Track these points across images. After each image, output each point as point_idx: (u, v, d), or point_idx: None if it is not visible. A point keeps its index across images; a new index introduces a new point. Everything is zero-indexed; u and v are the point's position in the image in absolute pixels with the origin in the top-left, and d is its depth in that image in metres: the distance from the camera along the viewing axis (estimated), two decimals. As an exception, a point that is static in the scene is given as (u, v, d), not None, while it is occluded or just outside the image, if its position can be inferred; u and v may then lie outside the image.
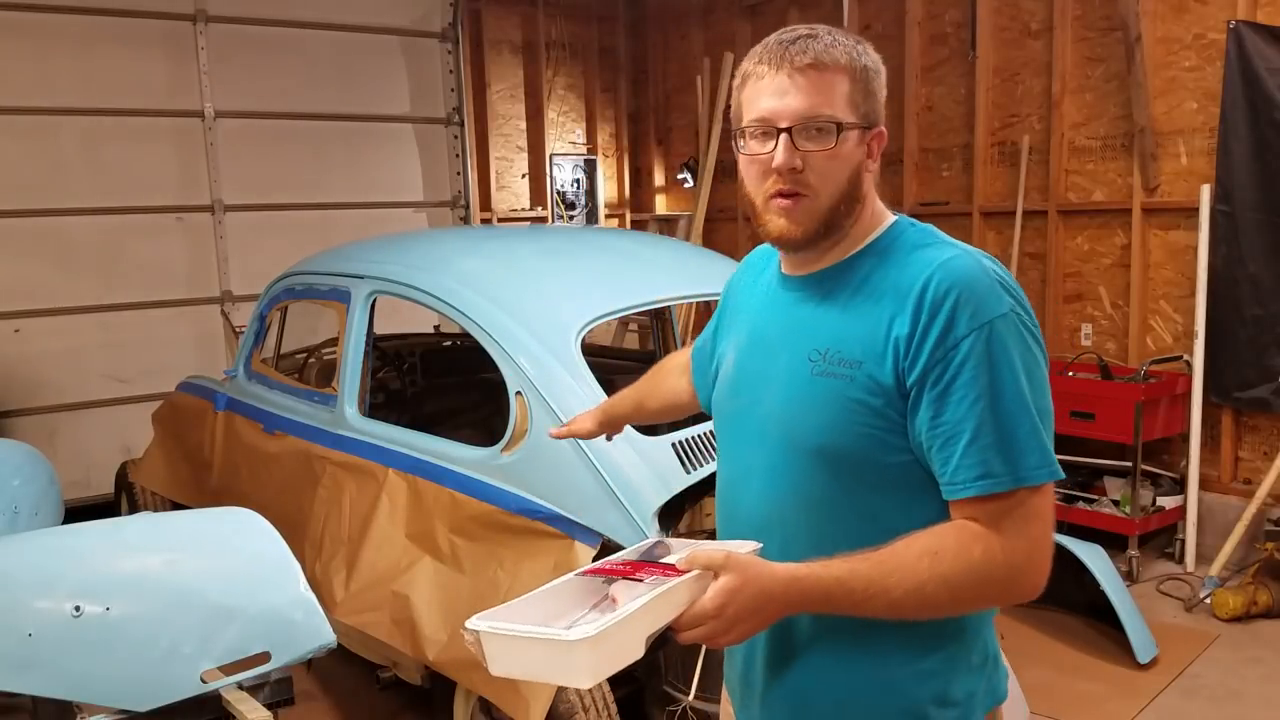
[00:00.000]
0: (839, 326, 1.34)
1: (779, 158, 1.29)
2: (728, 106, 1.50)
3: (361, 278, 3.40)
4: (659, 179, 7.96)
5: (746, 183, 1.38)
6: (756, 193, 1.35)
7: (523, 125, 7.50)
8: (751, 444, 1.43)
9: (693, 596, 1.22)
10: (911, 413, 1.28)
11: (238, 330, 4.66)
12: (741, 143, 1.36)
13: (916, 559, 1.23)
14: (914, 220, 1.42)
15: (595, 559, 2.46)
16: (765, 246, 1.56)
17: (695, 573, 1.22)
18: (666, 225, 7.65)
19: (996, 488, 1.25)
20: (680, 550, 1.34)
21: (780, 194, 1.32)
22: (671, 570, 1.25)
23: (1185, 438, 4.75)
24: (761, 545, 1.33)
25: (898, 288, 1.30)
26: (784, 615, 1.26)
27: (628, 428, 2.65)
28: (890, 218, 1.41)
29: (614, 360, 4.28)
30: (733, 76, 1.44)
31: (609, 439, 1.98)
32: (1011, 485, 1.25)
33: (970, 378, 1.24)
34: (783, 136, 1.29)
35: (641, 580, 1.25)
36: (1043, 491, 1.29)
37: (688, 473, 2.63)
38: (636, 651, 1.19)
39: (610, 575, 1.30)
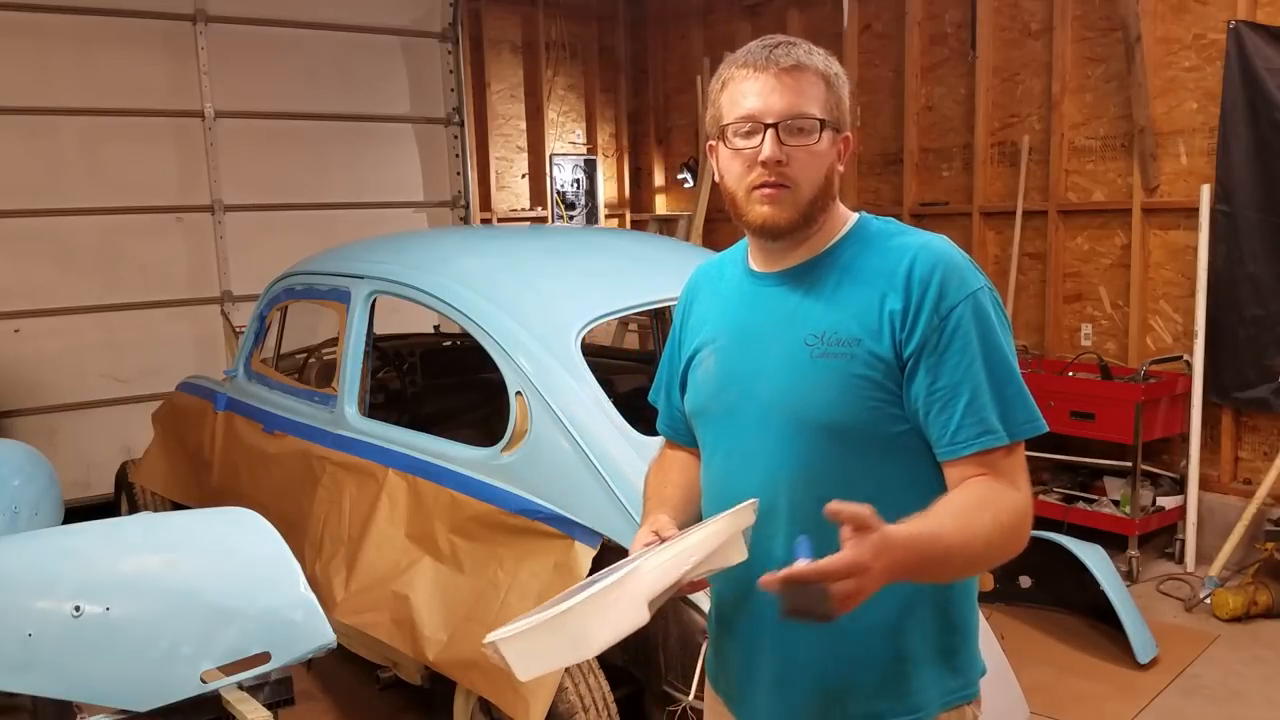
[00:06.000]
0: (831, 311, 1.43)
1: (766, 150, 1.39)
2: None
3: (361, 278, 3.40)
4: (659, 179, 7.96)
5: (728, 177, 1.46)
6: (739, 186, 1.44)
7: (523, 125, 7.50)
8: (749, 434, 1.48)
9: (709, 549, 1.28)
10: (908, 381, 1.38)
11: (238, 330, 4.65)
12: (725, 140, 1.44)
13: (980, 511, 1.31)
14: (874, 215, 1.53)
15: (595, 559, 2.47)
16: (709, 262, 1.70)
17: (719, 524, 1.30)
18: (666, 225, 7.65)
19: (996, 443, 1.35)
20: (684, 535, 1.38)
21: (765, 184, 1.41)
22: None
23: (1185, 438, 4.75)
24: (757, 500, 1.40)
25: (882, 271, 1.41)
26: (892, 581, 1.21)
27: (623, 421, 2.66)
28: (855, 214, 1.52)
29: (614, 360, 4.28)
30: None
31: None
32: (1008, 440, 1.36)
33: (963, 344, 1.36)
34: (769, 132, 1.39)
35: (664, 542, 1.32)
36: (1023, 445, 1.41)
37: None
38: (639, 616, 1.25)
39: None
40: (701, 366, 1.57)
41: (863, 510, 1.16)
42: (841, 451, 1.40)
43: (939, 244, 1.42)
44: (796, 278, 1.48)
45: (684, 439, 1.71)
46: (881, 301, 1.39)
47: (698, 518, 1.62)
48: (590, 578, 1.41)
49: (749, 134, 1.41)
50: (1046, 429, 1.41)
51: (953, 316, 1.36)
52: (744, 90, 1.41)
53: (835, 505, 1.17)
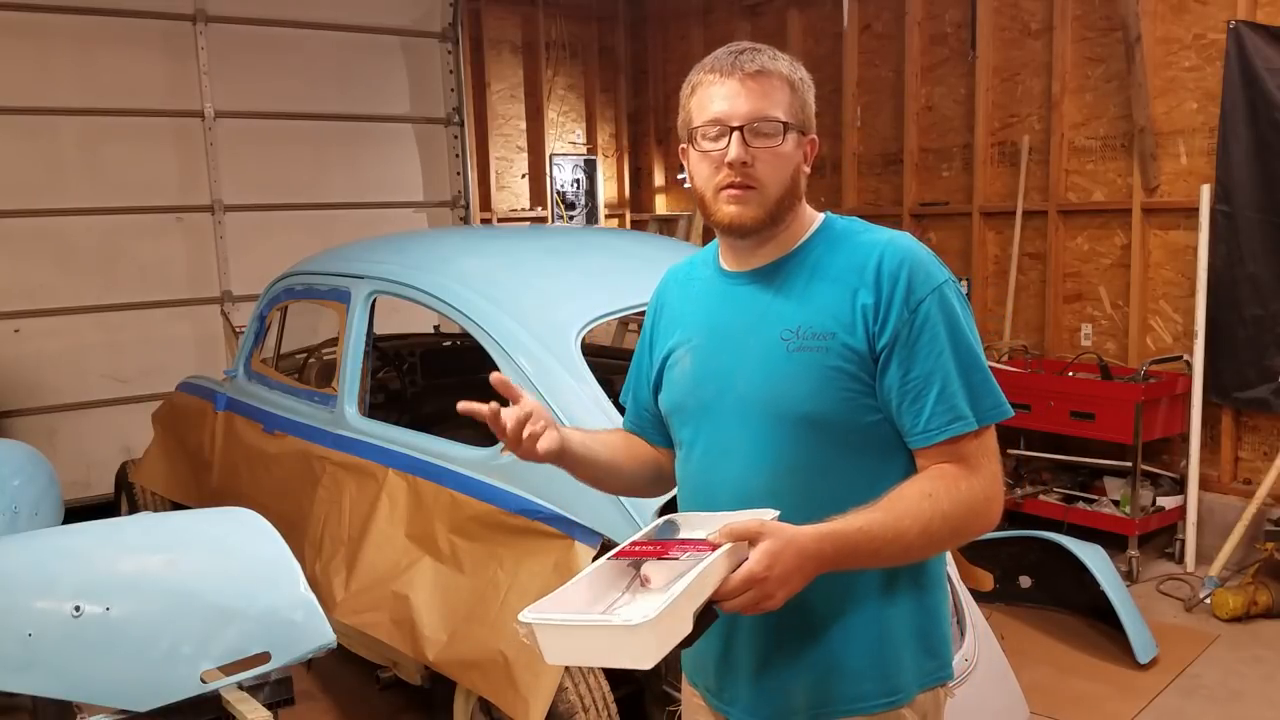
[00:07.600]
0: (804, 306, 1.48)
1: (732, 152, 1.44)
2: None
3: (361, 278, 3.40)
4: (659, 179, 7.97)
5: (697, 179, 1.52)
6: (707, 186, 1.50)
7: (523, 125, 7.50)
8: (727, 428, 1.52)
9: (731, 567, 1.28)
10: (881, 373, 1.44)
11: (238, 330, 4.66)
12: (694, 143, 1.50)
13: (918, 501, 1.38)
14: (839, 215, 1.59)
15: (595, 558, 2.47)
16: (678, 264, 1.73)
17: (729, 545, 1.29)
18: (666, 225, 7.66)
19: (966, 428, 1.42)
20: (694, 526, 1.40)
21: (732, 185, 1.46)
22: (702, 545, 1.30)
23: (1185, 438, 4.75)
24: (780, 512, 1.39)
25: (851, 267, 1.47)
26: (817, 574, 1.33)
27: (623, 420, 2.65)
28: (821, 214, 1.58)
29: (614, 360, 4.27)
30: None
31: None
32: (977, 426, 1.43)
33: (931, 335, 1.42)
34: (735, 134, 1.44)
35: (676, 558, 1.30)
36: (992, 429, 1.47)
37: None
38: (686, 628, 1.25)
39: (638, 557, 1.35)
40: (678, 366, 1.61)
41: (739, 527, 1.28)
42: (818, 443, 1.46)
43: (904, 240, 1.49)
44: (767, 276, 1.53)
45: (650, 438, 1.75)
46: (853, 296, 1.45)
47: (613, 476, 1.70)
48: (608, 557, 1.40)
49: (716, 137, 1.46)
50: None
51: (921, 309, 1.42)
52: (711, 95, 1.47)
53: (724, 529, 1.28)
